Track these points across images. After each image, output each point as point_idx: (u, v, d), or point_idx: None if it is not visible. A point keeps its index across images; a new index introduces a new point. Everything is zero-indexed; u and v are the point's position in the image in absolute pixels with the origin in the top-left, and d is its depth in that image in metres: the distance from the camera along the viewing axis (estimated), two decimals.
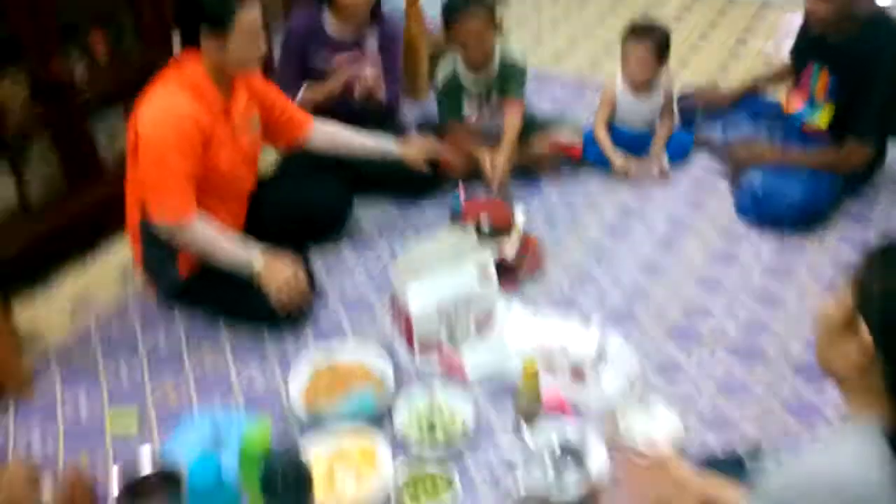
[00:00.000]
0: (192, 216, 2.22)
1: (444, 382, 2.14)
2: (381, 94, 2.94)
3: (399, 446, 1.94)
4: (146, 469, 1.74)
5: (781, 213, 2.71)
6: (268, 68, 3.05)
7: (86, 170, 2.67)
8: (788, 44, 3.05)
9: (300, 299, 2.30)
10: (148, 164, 2.17)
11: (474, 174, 2.91)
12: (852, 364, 1.15)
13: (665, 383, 2.14)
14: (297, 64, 2.86)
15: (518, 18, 4.46)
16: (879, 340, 1.11)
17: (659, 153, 3.06)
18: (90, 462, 1.97)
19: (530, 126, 3.04)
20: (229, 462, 1.68)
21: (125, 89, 2.59)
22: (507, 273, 2.43)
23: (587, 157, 3.09)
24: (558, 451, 1.84)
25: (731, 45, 4.22)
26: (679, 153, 3.11)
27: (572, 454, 1.84)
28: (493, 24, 2.82)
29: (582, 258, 2.66)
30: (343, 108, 2.87)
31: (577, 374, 2.06)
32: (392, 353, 2.21)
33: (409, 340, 2.19)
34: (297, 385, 2.11)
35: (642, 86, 3.03)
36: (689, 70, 3.91)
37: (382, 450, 1.90)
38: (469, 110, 3.01)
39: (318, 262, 2.60)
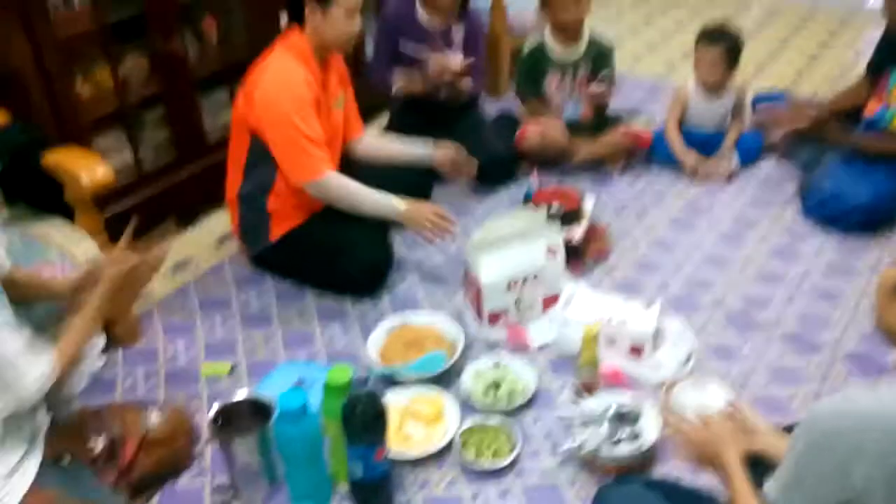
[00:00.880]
0: (327, 170, 2.36)
1: (509, 351, 2.28)
2: (468, 84, 3.04)
3: (466, 406, 2.08)
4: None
5: (848, 215, 2.74)
6: (358, 59, 3.25)
7: (193, 142, 2.89)
8: (867, 56, 3.05)
9: (447, 226, 2.46)
10: (274, 130, 2.30)
11: (553, 160, 3.03)
12: None
13: (720, 365, 2.23)
14: (390, 47, 2.99)
15: (598, 23, 4.56)
16: None
17: (728, 153, 3.12)
18: (187, 404, 2.16)
19: (605, 120, 3.16)
20: (314, 400, 1.84)
21: (231, 70, 2.83)
22: (574, 256, 2.55)
23: (657, 156, 3.18)
24: (614, 414, 1.95)
25: (810, 52, 4.26)
26: (749, 155, 3.16)
27: (627, 419, 1.96)
28: None
29: (647, 248, 2.76)
30: (429, 98, 3.02)
31: (636, 349, 2.18)
32: (462, 323, 2.36)
33: (479, 311, 2.33)
34: (375, 344, 2.27)
35: (713, 88, 3.10)
36: (765, 75, 3.97)
37: (450, 405, 2.06)
38: (551, 82, 3.13)
39: (398, 238, 2.73)
